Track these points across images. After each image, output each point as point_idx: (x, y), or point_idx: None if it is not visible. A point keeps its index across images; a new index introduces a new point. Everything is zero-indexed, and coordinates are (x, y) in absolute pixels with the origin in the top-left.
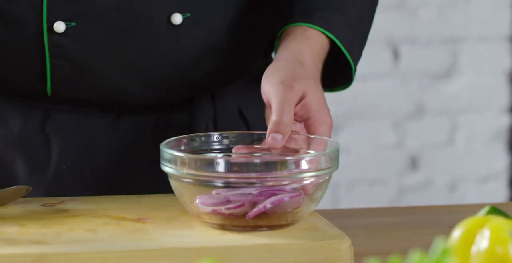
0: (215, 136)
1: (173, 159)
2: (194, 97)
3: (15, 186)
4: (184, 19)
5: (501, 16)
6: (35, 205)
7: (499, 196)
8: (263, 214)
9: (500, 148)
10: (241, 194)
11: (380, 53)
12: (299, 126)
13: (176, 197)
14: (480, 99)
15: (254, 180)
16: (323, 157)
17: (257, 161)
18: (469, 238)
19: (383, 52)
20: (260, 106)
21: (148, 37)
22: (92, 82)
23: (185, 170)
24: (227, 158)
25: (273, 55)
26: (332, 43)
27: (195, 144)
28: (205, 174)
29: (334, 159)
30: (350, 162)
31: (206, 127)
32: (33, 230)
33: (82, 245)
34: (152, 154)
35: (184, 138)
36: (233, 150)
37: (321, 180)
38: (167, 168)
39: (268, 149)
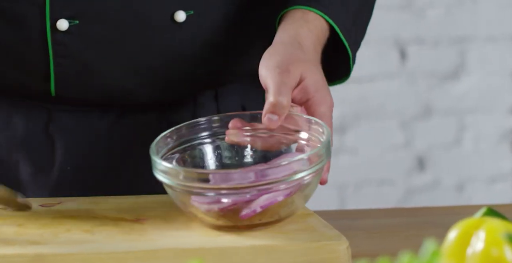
0: (202, 121)
1: (165, 170)
2: (197, 96)
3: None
4: (187, 17)
5: (509, 16)
6: (34, 205)
7: (507, 197)
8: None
9: (508, 149)
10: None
11: (388, 53)
12: (299, 110)
13: None
14: (488, 100)
15: (247, 190)
16: (314, 154)
17: (251, 172)
18: (465, 240)
19: (391, 52)
20: (264, 105)
21: (151, 35)
22: (96, 81)
23: (177, 181)
24: (220, 170)
25: None
26: (331, 32)
27: (183, 134)
28: (197, 185)
29: (325, 153)
30: (357, 163)
31: None
32: (31, 230)
33: (79, 246)
34: None
35: (170, 133)
36: (229, 125)
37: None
38: (160, 177)
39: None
